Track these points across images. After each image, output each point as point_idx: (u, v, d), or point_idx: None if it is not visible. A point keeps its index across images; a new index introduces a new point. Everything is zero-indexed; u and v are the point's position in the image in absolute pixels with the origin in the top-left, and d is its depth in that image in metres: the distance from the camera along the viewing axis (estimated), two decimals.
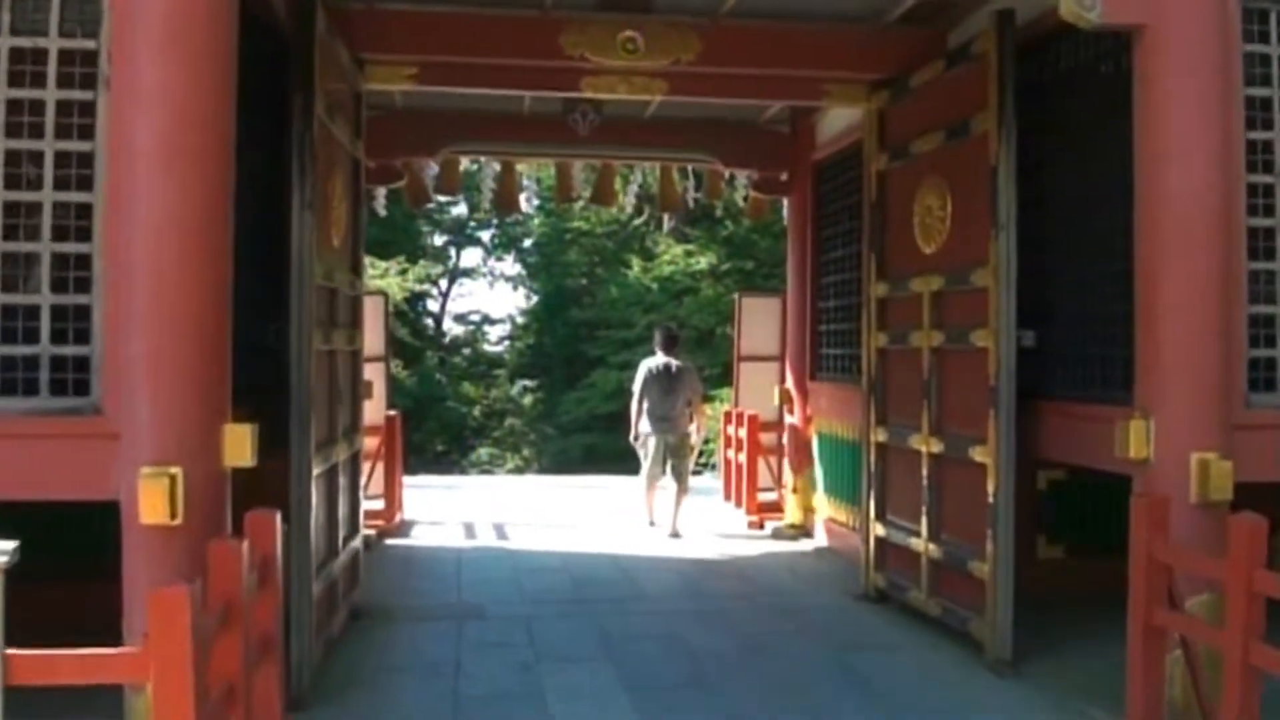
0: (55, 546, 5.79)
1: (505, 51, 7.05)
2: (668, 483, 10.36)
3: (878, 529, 7.35)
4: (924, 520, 6.69)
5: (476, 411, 29.49)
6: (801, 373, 10.05)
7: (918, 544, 6.76)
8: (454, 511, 11.54)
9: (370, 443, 9.98)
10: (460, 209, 30.45)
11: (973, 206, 6.18)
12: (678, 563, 8.96)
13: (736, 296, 12.76)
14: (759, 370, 11.61)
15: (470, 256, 32.00)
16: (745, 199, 10.69)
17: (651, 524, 10.45)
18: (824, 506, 9.62)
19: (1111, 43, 5.63)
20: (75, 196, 4.32)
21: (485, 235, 31.72)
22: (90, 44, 4.32)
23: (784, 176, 10.19)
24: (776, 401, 10.45)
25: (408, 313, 26.50)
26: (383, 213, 10.10)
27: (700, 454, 17.87)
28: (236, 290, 5.55)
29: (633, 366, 11.62)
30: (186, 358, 4.26)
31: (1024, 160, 5.97)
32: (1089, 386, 5.81)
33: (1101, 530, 7.43)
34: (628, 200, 12.03)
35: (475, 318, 31.77)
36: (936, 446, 6.57)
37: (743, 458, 11.05)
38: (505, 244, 31.51)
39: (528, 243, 30.74)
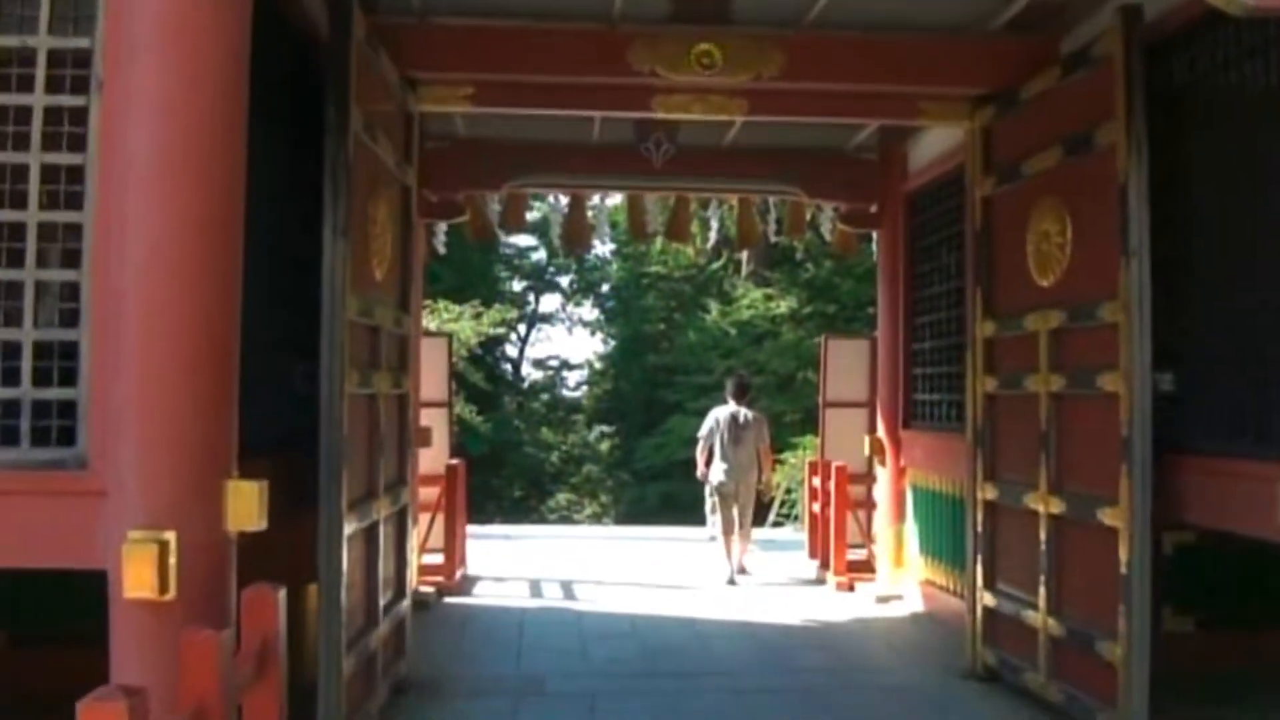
0: (53, 605, 5.26)
1: (569, 68, 6.44)
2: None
3: (986, 598, 6.51)
4: (1042, 591, 5.85)
5: (554, 457, 29.14)
6: (894, 420, 9.23)
7: (1034, 618, 5.92)
8: (521, 566, 10.89)
9: (431, 493, 9.44)
10: (539, 254, 30.31)
11: (1098, 231, 5.39)
12: (758, 628, 8.17)
13: (822, 339, 11.96)
14: (846, 417, 10.82)
15: (549, 302, 31.80)
16: (831, 232, 9.93)
17: (732, 581, 10.06)
18: (919, 568, 8.77)
19: (1259, 35, 4.84)
20: (63, 216, 3.74)
21: (564, 280, 31.46)
22: (83, 42, 3.76)
23: (873, 208, 9.43)
24: (866, 451, 9.62)
25: (484, 358, 26.10)
26: (442, 250, 9.53)
27: (782, 504, 17.10)
28: (271, 328, 5.03)
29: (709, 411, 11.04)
30: (184, 402, 3.64)
31: (1152, 177, 5.18)
32: (1239, 438, 4.94)
33: (1237, 601, 6.57)
34: (709, 242, 11.44)
35: (554, 363, 31.51)
36: (1057, 507, 5.74)
37: (830, 512, 10.19)
38: (584, 289, 31.23)
39: (605, 288, 30.41)
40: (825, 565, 10.19)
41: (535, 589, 9.72)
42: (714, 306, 24.67)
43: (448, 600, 8.88)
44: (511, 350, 30.66)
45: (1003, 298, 6.41)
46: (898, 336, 9.16)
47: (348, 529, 4.79)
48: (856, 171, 9.39)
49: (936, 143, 8.39)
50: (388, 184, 5.75)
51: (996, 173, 6.47)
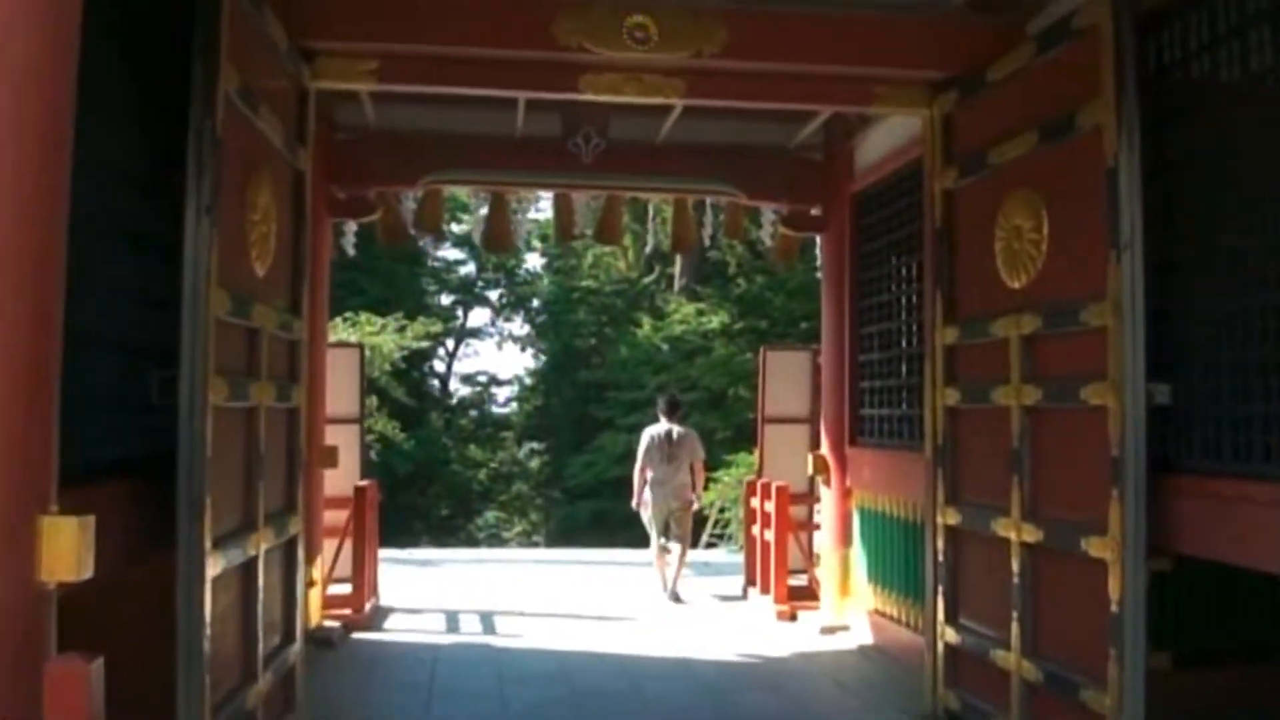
0: None
1: (485, 40, 5.72)
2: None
3: (948, 634, 5.87)
4: (1014, 629, 5.22)
5: (483, 475, 28.31)
6: (839, 437, 8.61)
7: (1006, 659, 5.29)
8: (439, 594, 10.10)
9: (339, 517, 8.67)
10: (468, 267, 29.46)
11: (1080, 224, 4.79)
12: (696, 666, 7.47)
13: (761, 351, 11.35)
14: (786, 434, 10.26)
15: (478, 316, 30.91)
16: (772, 236, 9.31)
17: (673, 597, 10.00)
18: (868, 596, 8.14)
19: (1265, 1, 4.29)
20: None
21: (493, 294, 30.65)
22: None
23: (817, 210, 8.83)
24: (809, 470, 8.99)
25: (410, 372, 25.17)
26: (351, 251, 8.74)
27: (715, 524, 16.47)
28: (125, 328, 4.25)
29: (642, 429, 10.58)
30: None
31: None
32: (1244, 457, 4.36)
33: (1218, 635, 6.01)
34: (645, 249, 10.84)
35: (483, 378, 30.58)
36: (1032, 535, 5.12)
37: (770, 535, 9.53)
38: (513, 304, 30.47)
39: (536, 302, 29.69)
40: (764, 590, 9.56)
41: (453, 622, 8.93)
42: (645, 321, 24.19)
43: (355, 636, 8.06)
44: (439, 365, 29.74)
45: (967, 301, 5.81)
46: (843, 347, 8.55)
47: (213, 569, 4.01)
48: (799, 171, 8.81)
49: (886, 139, 7.81)
50: (273, 165, 4.98)
51: (959, 164, 5.87)
